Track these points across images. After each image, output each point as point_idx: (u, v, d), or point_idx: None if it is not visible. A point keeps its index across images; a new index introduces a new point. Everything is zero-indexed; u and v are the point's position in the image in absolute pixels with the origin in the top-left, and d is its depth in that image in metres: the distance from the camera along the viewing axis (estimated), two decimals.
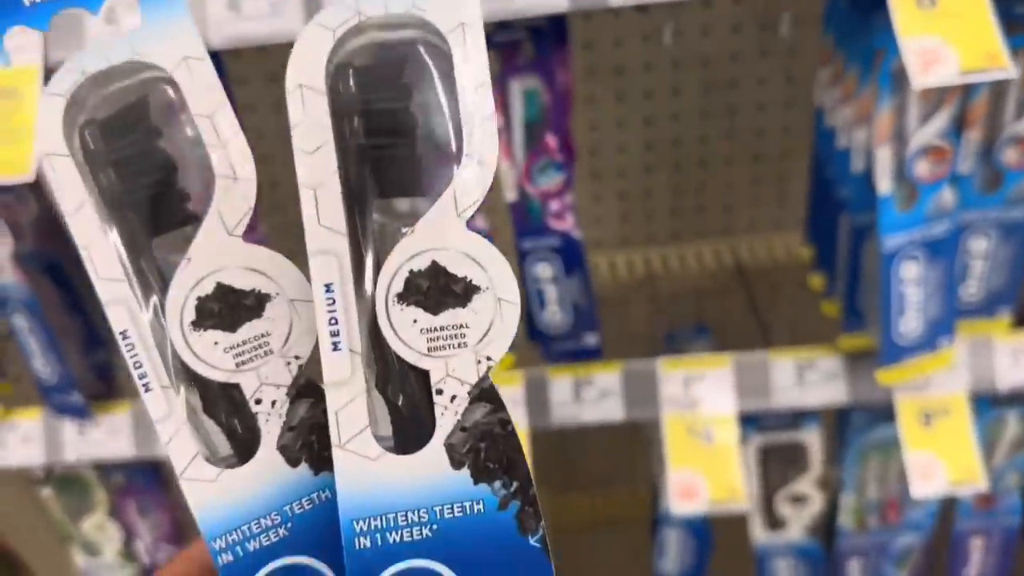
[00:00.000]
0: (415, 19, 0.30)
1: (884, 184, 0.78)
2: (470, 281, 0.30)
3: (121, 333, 0.31)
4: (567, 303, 0.89)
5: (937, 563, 1.07)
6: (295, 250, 0.32)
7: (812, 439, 0.97)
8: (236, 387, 0.32)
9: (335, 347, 0.30)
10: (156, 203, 0.32)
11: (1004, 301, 0.89)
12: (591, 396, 0.90)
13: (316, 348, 0.31)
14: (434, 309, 0.30)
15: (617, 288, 1.19)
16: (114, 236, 0.32)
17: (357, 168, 0.31)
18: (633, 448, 1.16)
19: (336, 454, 0.30)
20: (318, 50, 0.30)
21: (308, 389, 0.32)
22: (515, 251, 0.86)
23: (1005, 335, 0.88)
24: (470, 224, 0.30)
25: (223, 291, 0.31)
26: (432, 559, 0.30)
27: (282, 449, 0.32)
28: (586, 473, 1.35)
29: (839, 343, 0.89)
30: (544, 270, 0.86)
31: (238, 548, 0.32)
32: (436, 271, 0.30)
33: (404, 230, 0.30)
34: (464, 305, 0.30)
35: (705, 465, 0.89)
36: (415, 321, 0.30)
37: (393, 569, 0.30)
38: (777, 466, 1.00)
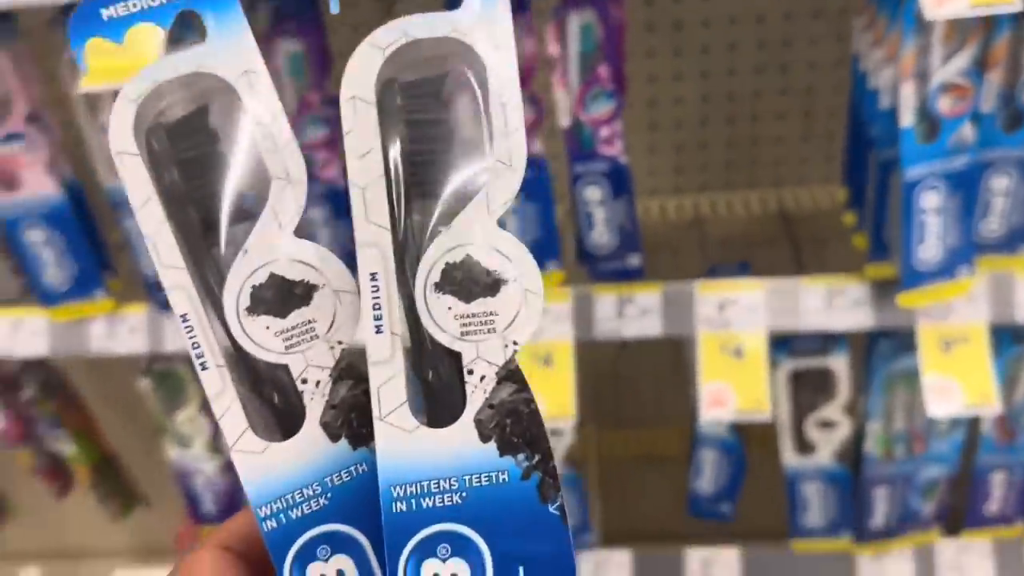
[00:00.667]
0: (457, 43, 0.33)
1: (907, 118, 0.85)
2: (499, 273, 0.33)
3: (182, 316, 0.34)
4: (613, 225, 0.97)
5: (962, 500, 1.11)
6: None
7: (840, 365, 1.03)
8: (284, 368, 0.35)
9: (378, 330, 0.33)
10: (214, 201, 0.35)
11: None
12: (632, 313, 0.98)
13: (357, 334, 0.35)
14: (467, 298, 0.33)
15: (668, 231, 1.27)
16: (175, 229, 0.34)
17: (401, 171, 0.34)
18: (677, 391, 1.23)
19: (377, 426, 0.33)
20: (368, 66, 0.33)
21: (348, 372, 0.35)
22: (568, 174, 0.95)
23: None
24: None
25: (275, 281, 0.34)
26: (461, 523, 0.33)
27: (324, 425, 0.35)
28: (634, 415, 1.44)
29: (865, 271, 0.95)
30: (593, 193, 0.95)
31: (281, 516, 0.35)
32: (469, 264, 0.33)
33: (440, 228, 0.34)
34: (494, 295, 0.33)
35: (735, 378, 0.96)
36: (450, 308, 0.33)
37: (426, 531, 0.34)
38: (807, 391, 1.06)
